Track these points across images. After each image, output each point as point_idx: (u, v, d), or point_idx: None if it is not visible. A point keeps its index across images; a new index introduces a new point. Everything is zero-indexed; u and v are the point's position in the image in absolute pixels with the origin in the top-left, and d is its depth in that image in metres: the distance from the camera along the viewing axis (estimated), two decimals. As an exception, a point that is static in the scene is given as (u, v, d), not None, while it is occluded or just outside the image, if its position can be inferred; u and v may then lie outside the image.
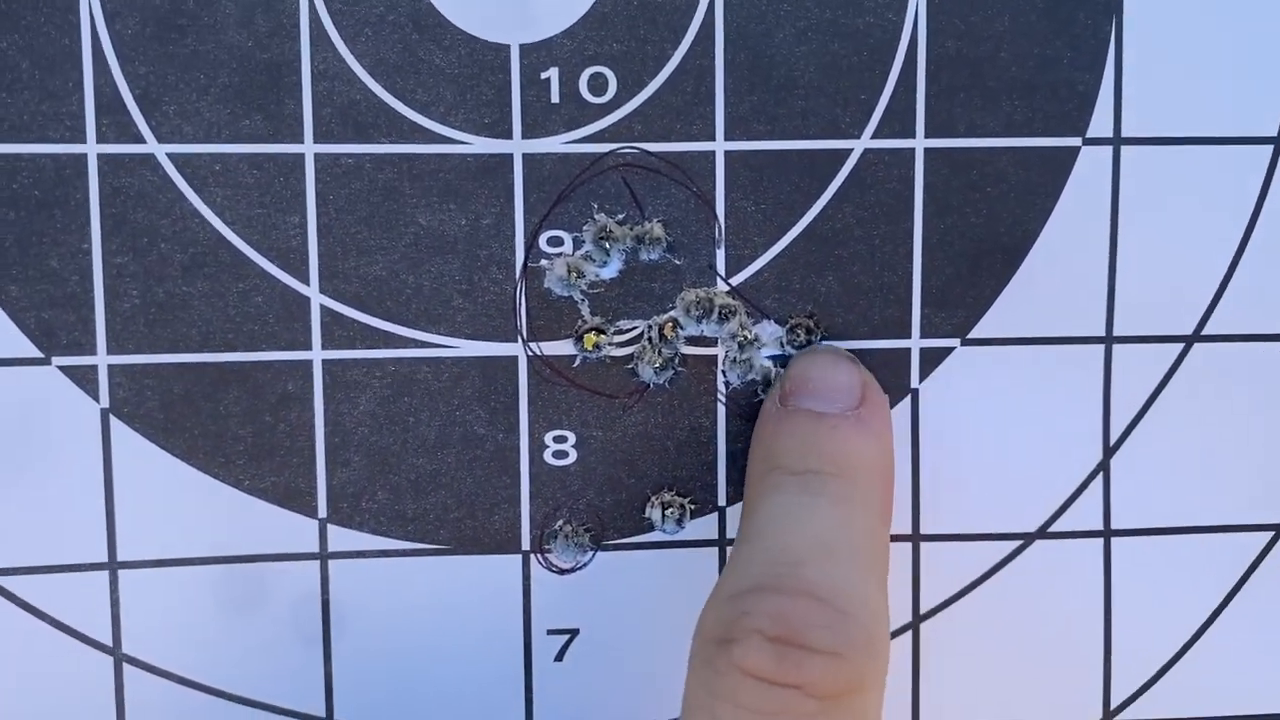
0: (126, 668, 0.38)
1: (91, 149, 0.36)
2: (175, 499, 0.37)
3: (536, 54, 0.37)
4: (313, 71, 0.36)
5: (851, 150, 0.38)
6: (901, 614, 0.39)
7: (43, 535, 0.37)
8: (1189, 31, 0.38)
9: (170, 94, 0.36)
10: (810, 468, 0.35)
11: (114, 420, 0.37)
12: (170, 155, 0.36)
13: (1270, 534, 0.39)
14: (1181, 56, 0.38)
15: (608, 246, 0.37)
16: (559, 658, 0.38)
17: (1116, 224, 0.38)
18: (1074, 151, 0.38)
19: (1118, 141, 0.38)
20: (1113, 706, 0.39)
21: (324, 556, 0.38)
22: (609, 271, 0.37)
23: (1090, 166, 0.38)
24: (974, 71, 0.37)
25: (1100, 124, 0.38)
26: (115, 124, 0.36)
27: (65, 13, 0.35)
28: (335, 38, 0.36)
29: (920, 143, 0.38)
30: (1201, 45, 0.38)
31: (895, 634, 0.39)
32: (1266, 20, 0.38)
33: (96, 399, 0.37)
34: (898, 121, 0.37)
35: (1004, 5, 0.37)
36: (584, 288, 0.37)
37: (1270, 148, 0.38)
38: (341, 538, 0.38)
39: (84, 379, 0.37)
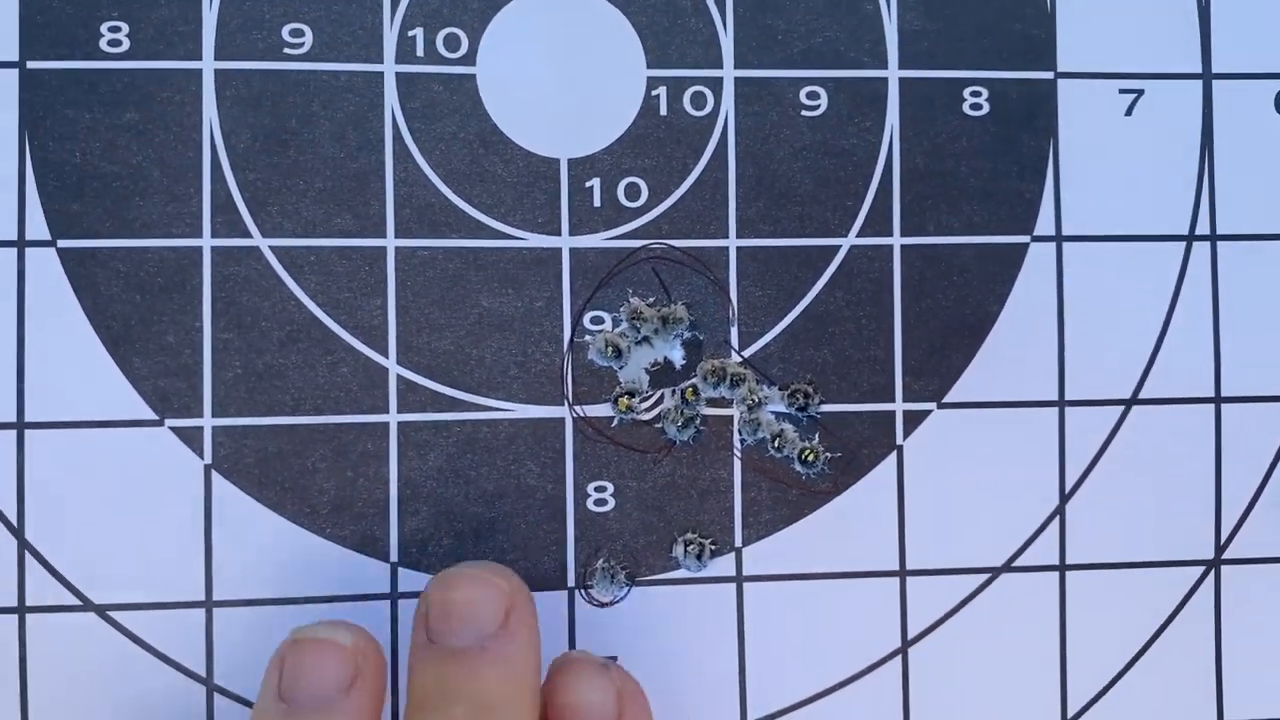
0: (217, 697, 0.40)
1: (206, 243, 0.40)
2: (266, 545, 0.40)
3: (582, 167, 0.42)
4: (395, 179, 0.41)
5: (840, 246, 0.43)
6: (891, 640, 0.42)
7: (149, 574, 0.39)
8: (1114, 149, 0.43)
9: (274, 197, 0.41)
10: (449, 710, 0.34)
11: (215, 475, 0.40)
12: (272, 248, 0.41)
13: (1202, 568, 0.43)
14: (1109, 169, 0.43)
15: (639, 325, 0.42)
16: None
17: (1062, 306, 0.43)
18: (1024, 247, 0.43)
19: (1060, 239, 0.43)
20: (1069, 715, 0.43)
21: (394, 597, 0.41)
22: (675, 355, 0.41)
23: (1038, 259, 0.43)
24: (940, 182, 0.43)
25: (1045, 224, 0.43)
26: (227, 222, 0.40)
27: (190, 130, 0.40)
28: (414, 151, 0.41)
29: (897, 240, 0.43)
30: (1125, 160, 0.43)
31: (885, 659, 0.43)
32: (1176, 140, 0.44)
33: (201, 456, 0.40)
34: (878, 223, 0.43)
35: (962, 129, 0.43)
36: (646, 365, 0.41)
37: (1183, 244, 0.44)
38: (410, 579, 0.41)
39: (191, 439, 0.40)
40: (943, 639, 0.42)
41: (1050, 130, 0.43)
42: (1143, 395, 0.43)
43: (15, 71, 0.40)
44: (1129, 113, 0.44)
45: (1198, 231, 0.44)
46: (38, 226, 0.40)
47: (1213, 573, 0.43)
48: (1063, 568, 0.43)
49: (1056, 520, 0.43)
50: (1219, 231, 0.44)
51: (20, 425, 0.39)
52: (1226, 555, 0.43)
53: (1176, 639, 0.43)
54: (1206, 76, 0.44)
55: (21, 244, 0.40)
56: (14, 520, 0.39)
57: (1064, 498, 0.43)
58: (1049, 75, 0.43)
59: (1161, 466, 0.43)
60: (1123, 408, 0.43)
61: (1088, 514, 0.43)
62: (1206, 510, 0.43)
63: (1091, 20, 0.44)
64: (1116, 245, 0.43)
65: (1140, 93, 0.44)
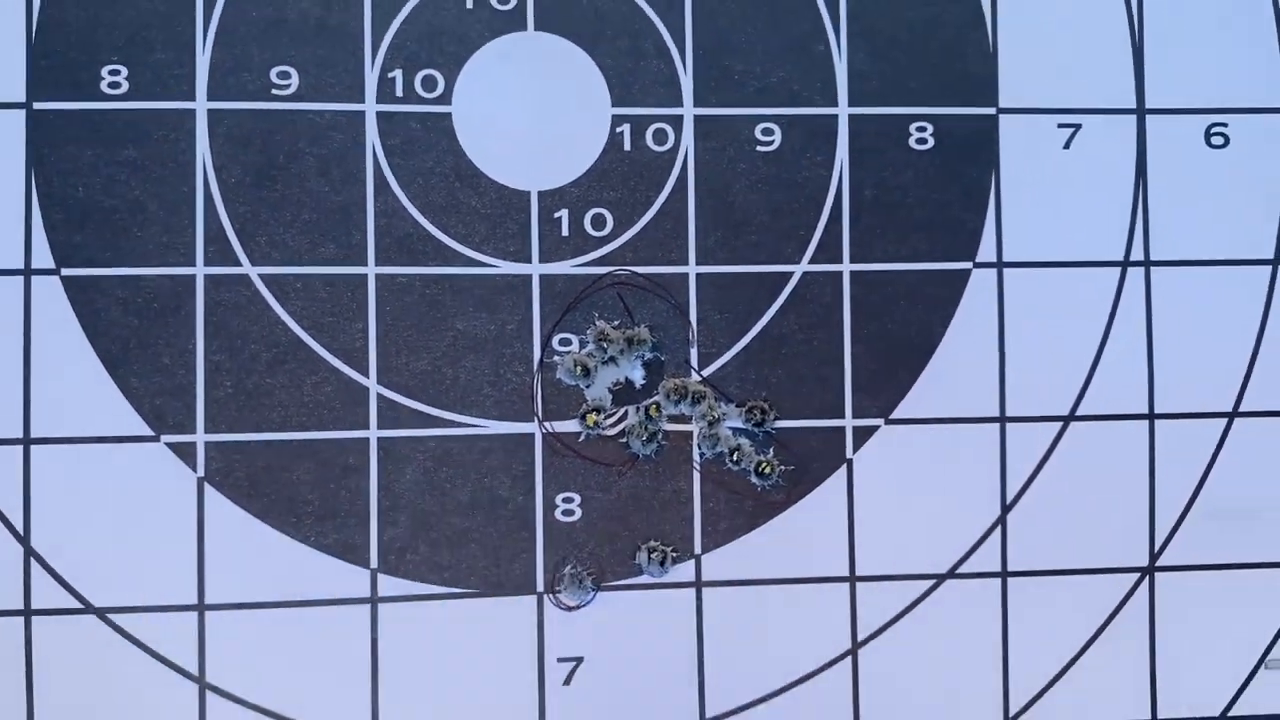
0: (209, 694, 0.43)
1: (200, 271, 0.43)
2: (255, 552, 0.43)
3: (551, 199, 0.45)
4: (375, 210, 0.44)
5: (794, 273, 0.45)
6: (842, 642, 0.45)
7: (145, 579, 0.42)
8: (1053, 180, 0.46)
9: (263, 228, 0.43)
10: None
11: (208, 487, 0.43)
12: (261, 275, 0.43)
13: (1137, 575, 0.46)
14: (1048, 199, 0.46)
15: (605, 346, 0.45)
16: (567, 681, 0.43)
17: (1003, 328, 0.45)
18: (967, 273, 0.45)
19: (1001, 265, 0.46)
20: (1011, 714, 0.45)
21: (374, 600, 0.43)
22: (637, 375, 0.44)
23: (980, 284, 0.45)
24: (887, 212, 0.45)
25: (986, 251, 0.45)
26: (219, 251, 0.43)
27: (185, 166, 0.43)
28: (394, 184, 0.44)
29: (846, 267, 0.45)
30: (1063, 191, 0.46)
31: (836, 660, 0.45)
32: (1112, 172, 0.46)
33: (195, 469, 0.43)
34: (829, 251, 0.45)
35: (908, 162, 0.46)
36: (611, 384, 0.43)
37: (1119, 269, 0.47)
38: (389, 585, 0.43)
39: (185, 453, 0.43)
40: (891, 641, 0.45)
41: (992, 163, 0.46)
42: (1080, 412, 0.46)
43: (22, 111, 0.43)
44: (1067, 146, 0.46)
45: (1132, 257, 0.46)
46: (43, 256, 0.42)
47: (1147, 579, 0.46)
48: (1004, 574, 0.45)
49: (998, 529, 0.45)
50: (1152, 257, 0.46)
51: (26, 441, 0.42)
52: (1160, 563, 0.46)
53: (1113, 640, 0.46)
54: (1140, 111, 0.46)
55: (28, 272, 0.42)
56: (20, 529, 0.42)
57: (1005, 508, 0.45)
58: (991, 111, 0.46)
59: (1098, 479, 0.46)
60: (1061, 424, 0.46)
61: (1028, 523, 0.45)
62: (1141, 520, 0.46)
63: (1031, 59, 0.46)
64: (1055, 271, 0.46)
65: (1078, 127, 0.46)
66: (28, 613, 0.42)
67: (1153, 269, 0.46)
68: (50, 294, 0.42)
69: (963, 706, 0.45)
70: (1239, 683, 0.46)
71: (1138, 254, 0.46)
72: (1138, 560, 0.46)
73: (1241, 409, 0.46)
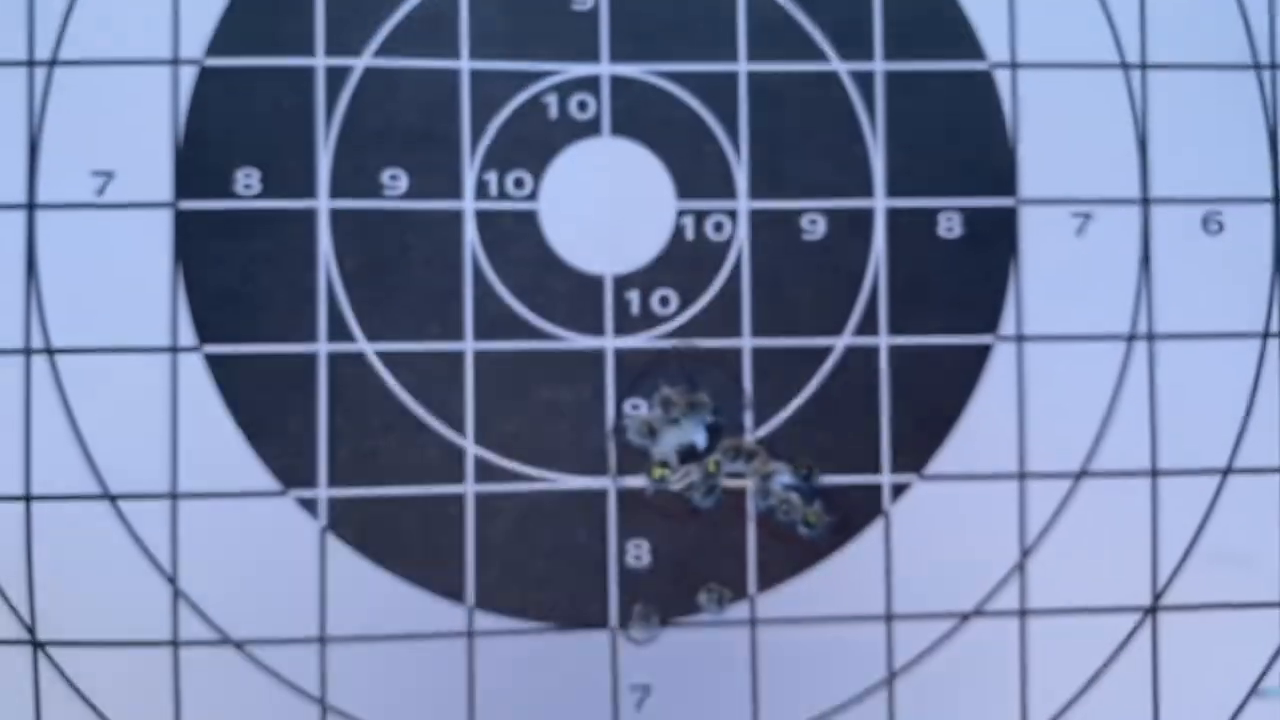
0: (330, 716, 0.48)
1: (323, 348, 0.49)
2: (369, 591, 0.48)
3: (623, 282, 0.50)
4: (473, 294, 0.49)
5: (835, 345, 0.50)
6: (879, 673, 0.49)
7: (275, 615, 0.48)
8: (1067, 263, 0.50)
9: (376, 309, 0.49)
10: None
11: (329, 535, 0.49)
12: (375, 352, 0.49)
13: (1141, 613, 0.50)
14: (1063, 280, 0.50)
15: (670, 409, 0.51)
16: (639, 706, 0.49)
17: (1023, 394, 0.50)
18: (989, 346, 0.50)
19: (1020, 339, 0.50)
20: None
21: (471, 634, 0.49)
22: (699, 438, 0.49)
23: (1001, 356, 0.50)
24: (918, 292, 0.50)
25: (1007, 326, 0.50)
26: (338, 330, 0.49)
27: (309, 256, 0.48)
28: (488, 271, 0.49)
29: (884, 340, 0.50)
30: (1076, 272, 0.50)
31: (874, 688, 0.51)
32: (1119, 255, 0.51)
33: (318, 519, 0.48)
34: (867, 326, 0.50)
35: (937, 247, 0.50)
36: (675, 446, 0.49)
37: (1125, 342, 0.51)
38: (483, 620, 0.49)
39: (309, 506, 0.48)
40: (923, 672, 0.50)
41: (1013, 248, 0.51)
42: (1090, 468, 0.51)
43: (170, 210, 0.49)
44: (1079, 233, 0.52)
45: (1137, 331, 0.51)
46: (187, 335, 0.49)
47: (1150, 617, 0.51)
48: (1023, 612, 0.50)
49: (1018, 573, 0.50)
50: (1155, 331, 0.52)
51: (174, 495, 0.48)
52: (1162, 602, 0.51)
53: (1120, 671, 0.50)
54: (1144, 201, 0.52)
55: (175, 350, 0.49)
56: (169, 570, 0.48)
57: (1024, 553, 0.50)
58: (1011, 202, 0.51)
59: (1106, 528, 0.50)
60: (1073, 479, 0.51)
61: (1045, 567, 0.50)
62: (1144, 565, 0.50)
63: (1048, 155, 0.51)
64: (1068, 344, 0.51)
65: (1089, 216, 0.51)
66: (175, 643, 0.48)
67: (1155, 341, 0.51)
68: (194, 368, 0.49)
69: (986, 730, 0.50)
70: (1233, 709, 0.51)
71: (1142, 328, 0.51)
72: (1142, 600, 0.51)
73: (1235, 466, 0.51)
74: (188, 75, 0.49)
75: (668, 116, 0.51)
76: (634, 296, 0.50)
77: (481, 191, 0.50)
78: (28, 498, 0.48)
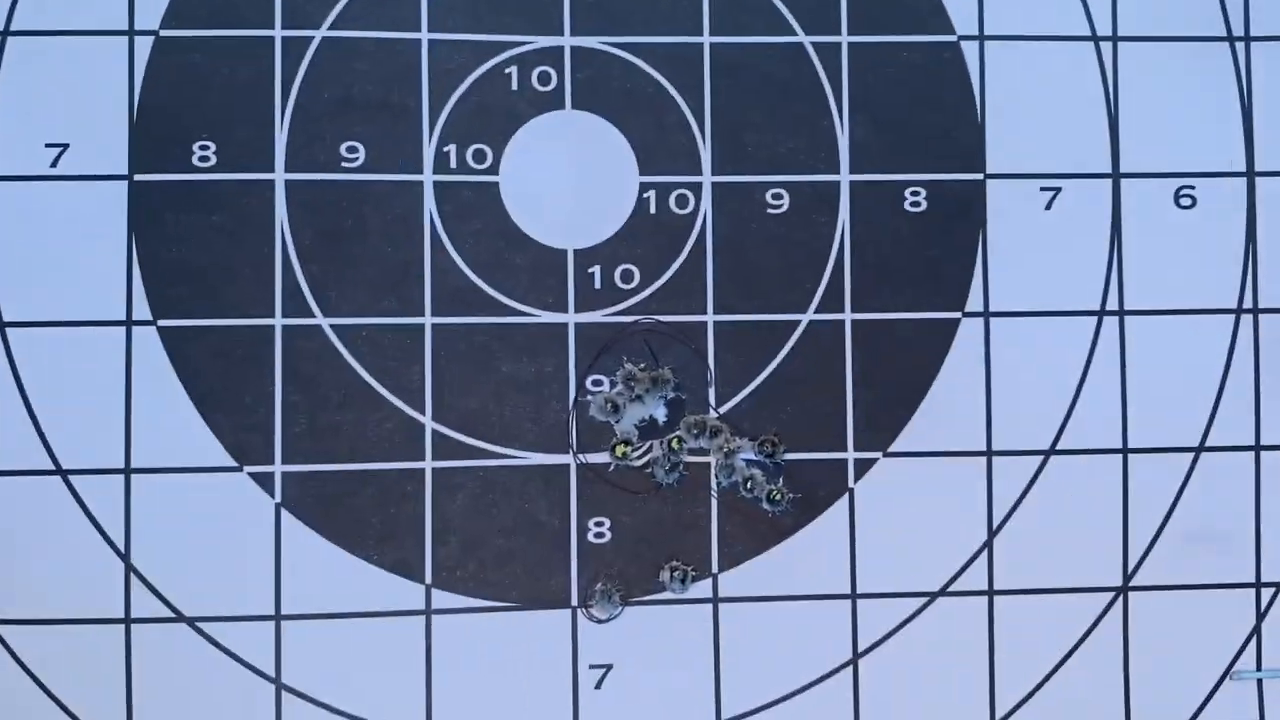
0: (284, 694, 0.48)
1: (278, 321, 0.48)
2: (325, 569, 0.48)
3: (585, 256, 0.49)
4: (432, 268, 0.49)
5: (800, 321, 0.50)
6: (844, 653, 0.49)
7: (229, 593, 0.47)
8: (1035, 238, 0.50)
9: (333, 284, 0.48)
10: None
11: (284, 512, 0.48)
12: (331, 325, 0.48)
13: (1112, 594, 0.50)
14: (1031, 255, 0.50)
15: (633, 385, 0.50)
16: (598, 685, 0.48)
17: (990, 371, 0.50)
18: (956, 321, 0.50)
19: (987, 314, 0.50)
20: (997, 718, 0.49)
21: (429, 612, 0.48)
22: (660, 413, 0.49)
23: (969, 331, 0.50)
24: (884, 267, 0.50)
25: (974, 302, 0.50)
26: (295, 304, 0.48)
27: (265, 229, 0.48)
28: (448, 245, 0.49)
29: (848, 316, 0.50)
30: (1044, 247, 0.50)
31: (839, 669, 0.50)
32: (1089, 230, 0.50)
33: (273, 496, 0.48)
34: (832, 302, 0.50)
35: (903, 222, 0.50)
36: (637, 422, 0.48)
37: (1095, 318, 0.51)
38: (441, 598, 0.48)
39: (264, 482, 0.48)
40: (888, 652, 0.49)
41: (980, 223, 0.50)
42: (1059, 446, 0.50)
43: (125, 183, 0.48)
44: (1048, 207, 0.51)
45: (1107, 307, 0.51)
46: (142, 309, 0.48)
47: (1121, 597, 0.50)
48: (991, 592, 0.50)
49: (985, 552, 0.50)
50: (1126, 307, 0.51)
51: (127, 470, 0.48)
52: (1133, 583, 0.50)
53: (1090, 653, 0.50)
54: (1115, 176, 0.51)
55: (129, 323, 0.48)
56: (122, 547, 0.48)
57: (992, 533, 0.50)
58: (979, 177, 0.51)
59: (1076, 507, 0.50)
60: (1042, 457, 0.50)
61: (1013, 546, 0.50)
62: (1115, 545, 0.50)
63: (1015, 129, 0.51)
64: (1037, 320, 0.50)
65: (1058, 190, 0.51)
66: (128, 621, 0.47)
67: (1126, 318, 0.51)
68: (148, 342, 0.48)
69: (952, 712, 0.49)
70: (1206, 692, 0.50)
71: (1112, 304, 0.51)
72: (1113, 580, 0.50)
73: (1207, 444, 0.51)
74: (143, 46, 0.49)
75: (631, 89, 0.50)
76: (596, 271, 0.50)
77: (441, 164, 0.49)
78: (-21, 473, 0.48)
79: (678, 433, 0.49)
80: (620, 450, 0.49)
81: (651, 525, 0.49)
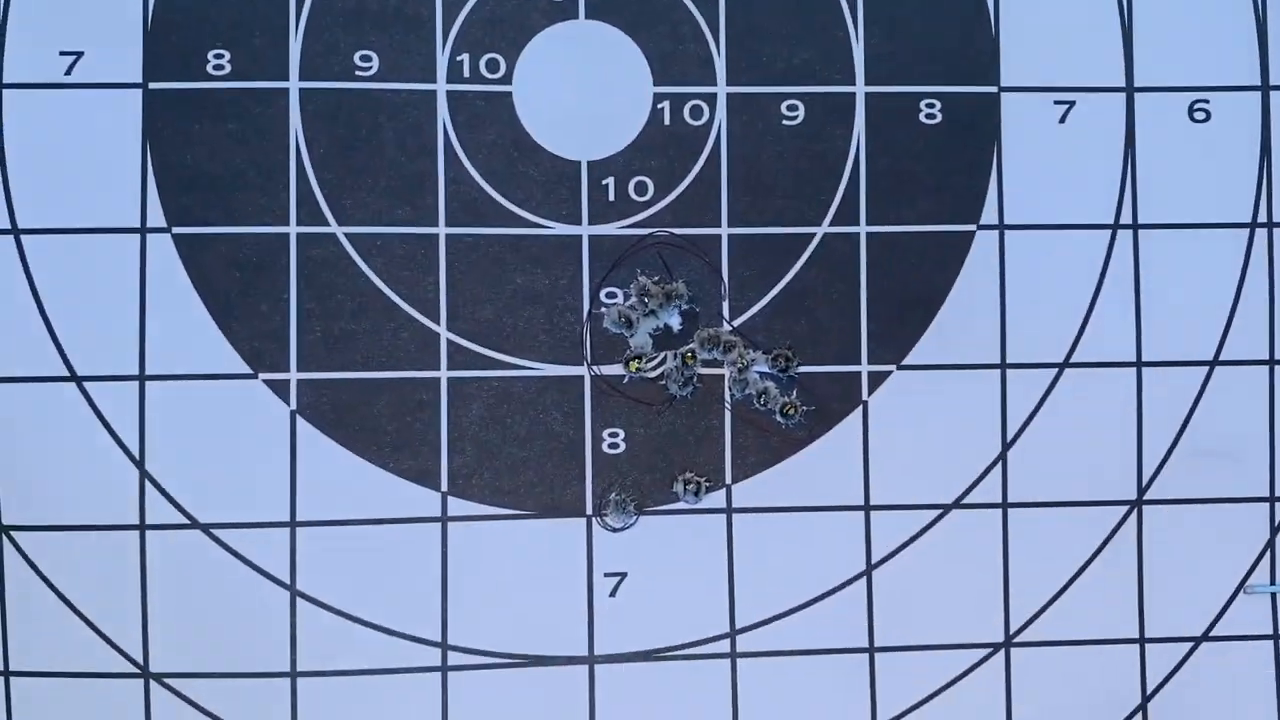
0: (299, 600, 0.48)
1: (293, 230, 0.48)
2: (340, 476, 0.48)
3: (599, 168, 0.49)
4: (445, 178, 0.49)
5: (815, 234, 0.50)
6: (857, 564, 0.49)
7: (244, 499, 0.47)
8: (1049, 151, 0.50)
9: (348, 192, 0.49)
10: None
11: (299, 419, 0.48)
12: (346, 234, 0.49)
13: (1126, 507, 0.50)
14: (1045, 169, 0.50)
15: (646, 299, 0.50)
16: (613, 594, 0.48)
17: (1004, 283, 0.49)
18: (971, 234, 0.50)
19: (1002, 227, 0.50)
20: (1011, 630, 0.49)
21: (445, 520, 0.49)
22: (674, 322, 0.49)
23: (983, 244, 0.50)
24: (899, 179, 0.50)
25: (989, 215, 0.50)
26: (309, 212, 0.48)
27: (280, 138, 0.48)
28: (461, 155, 0.49)
29: (863, 229, 0.50)
30: (1059, 161, 0.50)
31: (852, 580, 0.50)
32: (1103, 144, 0.50)
33: (288, 403, 0.48)
34: (847, 214, 0.50)
35: (919, 135, 0.50)
36: (651, 330, 0.48)
37: (1109, 232, 0.51)
38: (457, 506, 0.48)
39: (280, 389, 0.48)
40: (901, 564, 0.49)
41: (994, 136, 0.50)
42: (1074, 359, 0.50)
43: (140, 91, 0.48)
44: (1062, 120, 0.51)
45: (1121, 221, 0.51)
46: (156, 216, 0.48)
47: (1135, 511, 0.50)
48: (1005, 505, 0.50)
49: (999, 465, 0.50)
50: (1140, 221, 0.51)
51: (142, 378, 0.48)
52: (1148, 496, 0.50)
53: (1104, 566, 0.50)
54: (1129, 90, 0.51)
55: (144, 230, 0.48)
56: (136, 454, 0.48)
57: (1006, 445, 0.50)
58: (994, 89, 0.51)
59: (1090, 420, 0.50)
60: (1056, 370, 0.50)
61: (1027, 459, 0.49)
62: (1129, 458, 0.50)
63: (1030, 42, 0.51)
64: (1051, 233, 0.50)
65: (1072, 104, 0.51)
66: (142, 527, 0.48)
67: (1140, 231, 0.51)
68: (163, 250, 0.48)
69: (967, 624, 0.49)
70: (1220, 606, 0.50)
71: (1126, 218, 0.50)
72: (1127, 494, 0.50)
73: (1222, 358, 0.51)
74: (158, -46, 0.49)
75: None
76: (610, 183, 0.49)
77: (454, 73, 0.49)
78: (-5, 380, 0.48)
79: (691, 346, 0.49)
80: (634, 364, 0.49)
81: (665, 437, 0.49)
